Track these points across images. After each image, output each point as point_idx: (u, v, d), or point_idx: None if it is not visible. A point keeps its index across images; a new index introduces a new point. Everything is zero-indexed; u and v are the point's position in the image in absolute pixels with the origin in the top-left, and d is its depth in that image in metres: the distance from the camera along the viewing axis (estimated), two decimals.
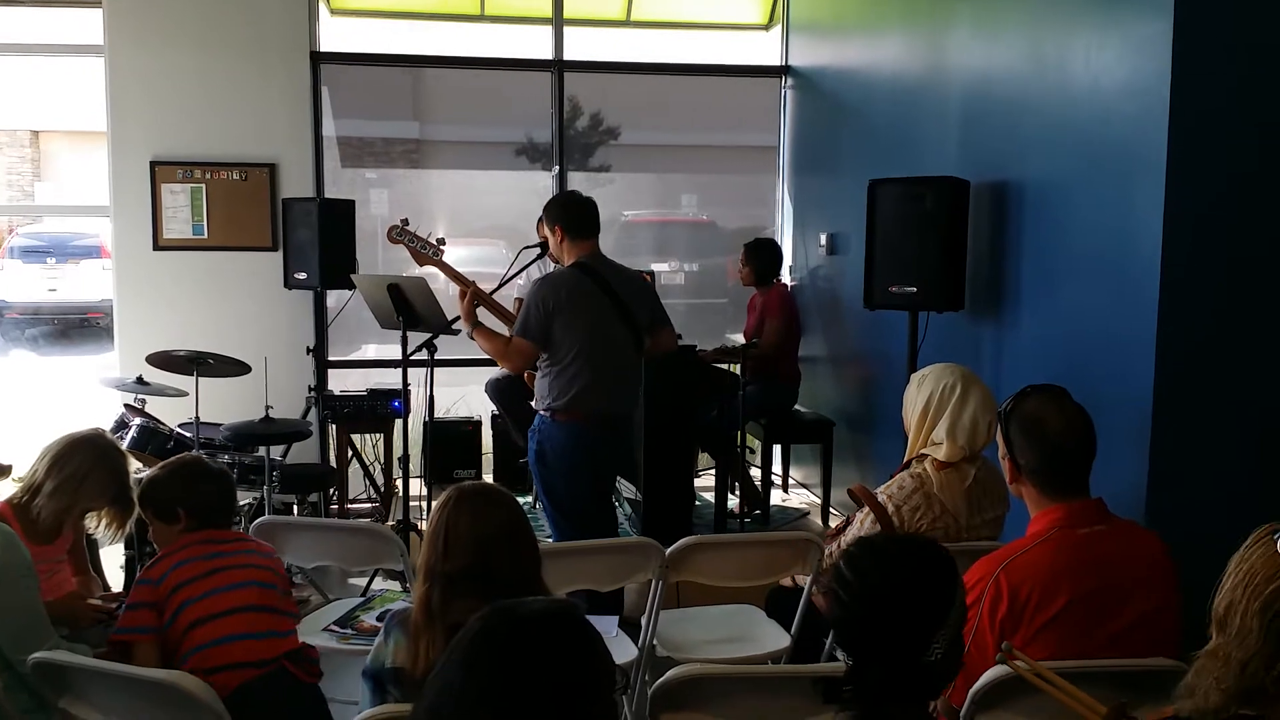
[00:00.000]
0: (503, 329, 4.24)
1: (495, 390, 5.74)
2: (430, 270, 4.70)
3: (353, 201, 5.95)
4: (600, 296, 4.00)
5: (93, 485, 3.01)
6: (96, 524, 3.17)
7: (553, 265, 5.65)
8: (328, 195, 6.26)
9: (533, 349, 3.96)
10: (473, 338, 4.08)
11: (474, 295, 4.16)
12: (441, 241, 4.54)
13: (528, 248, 4.98)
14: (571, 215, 4.11)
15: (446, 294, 5.26)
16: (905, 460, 3.10)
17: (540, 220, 5.32)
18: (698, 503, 5.63)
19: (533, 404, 4.16)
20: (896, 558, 1.69)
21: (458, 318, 4.27)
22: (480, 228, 7.60)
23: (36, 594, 2.61)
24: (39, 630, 2.56)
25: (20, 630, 2.52)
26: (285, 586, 2.89)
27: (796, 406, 6.01)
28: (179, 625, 2.61)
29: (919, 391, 3.07)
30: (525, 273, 5.05)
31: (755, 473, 5.99)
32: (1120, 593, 2.25)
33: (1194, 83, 3.23)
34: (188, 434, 4.83)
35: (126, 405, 5.05)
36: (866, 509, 3.02)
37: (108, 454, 3.07)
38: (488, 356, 4.31)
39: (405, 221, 4.57)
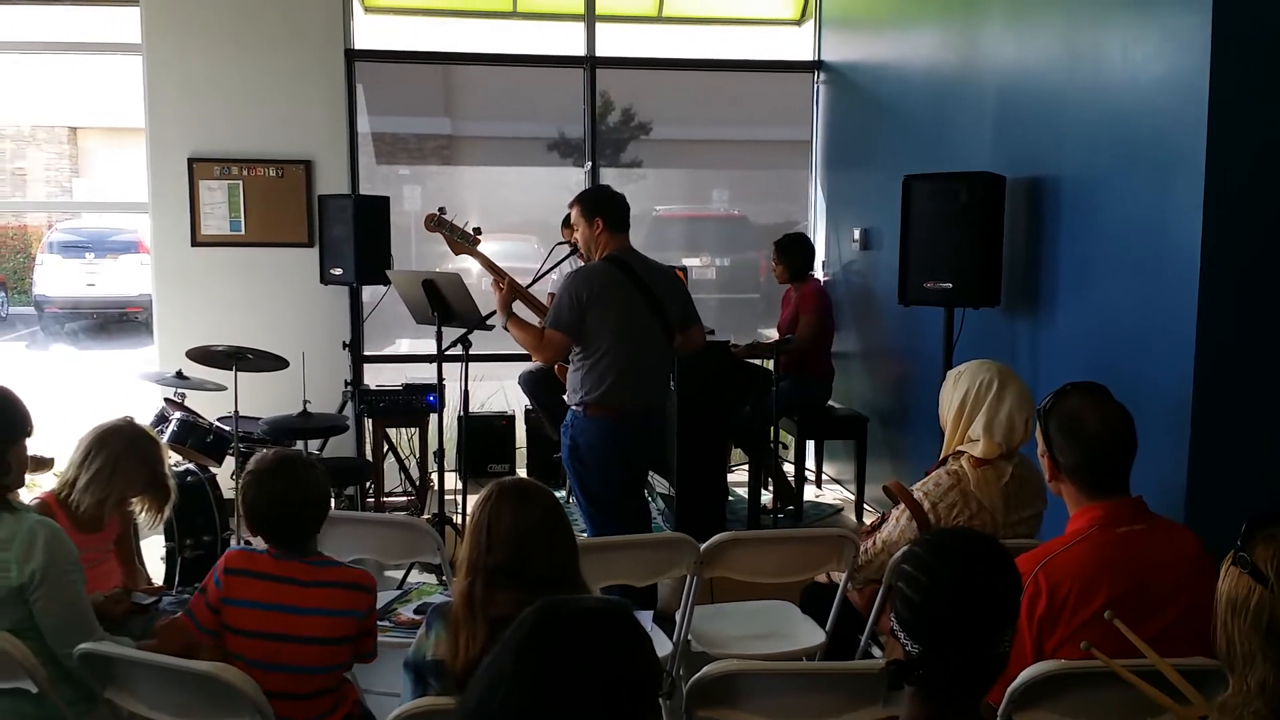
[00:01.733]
0: (536, 321, 4.25)
1: (529, 383, 5.77)
2: (464, 265, 4.72)
3: (387, 198, 5.99)
4: (633, 290, 4.01)
5: (124, 474, 3.04)
6: (139, 510, 3.22)
7: (582, 262, 5.69)
8: (362, 191, 6.30)
9: (565, 341, 3.98)
10: (506, 328, 4.10)
11: (510, 286, 4.18)
12: (478, 231, 4.55)
13: (561, 243, 5.00)
14: (613, 208, 4.12)
15: (480, 289, 5.29)
16: (941, 457, 3.09)
17: (568, 219, 5.35)
18: (730, 498, 5.63)
19: (565, 398, 4.17)
20: (979, 547, 1.69)
21: (492, 313, 4.29)
22: (512, 223, 7.64)
23: (82, 589, 2.64)
24: (84, 625, 2.60)
25: (66, 625, 2.56)
26: (365, 626, 2.66)
27: (830, 402, 5.99)
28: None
29: (955, 388, 3.06)
30: (558, 268, 5.07)
31: (789, 468, 5.98)
32: (1159, 592, 2.23)
33: (1232, 76, 3.19)
34: (227, 428, 4.88)
35: (166, 399, 5.12)
36: (902, 506, 3.02)
37: (137, 442, 3.11)
38: (521, 351, 4.32)
39: (443, 210, 4.58)
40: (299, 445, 4.89)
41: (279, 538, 2.64)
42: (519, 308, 4.25)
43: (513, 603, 2.07)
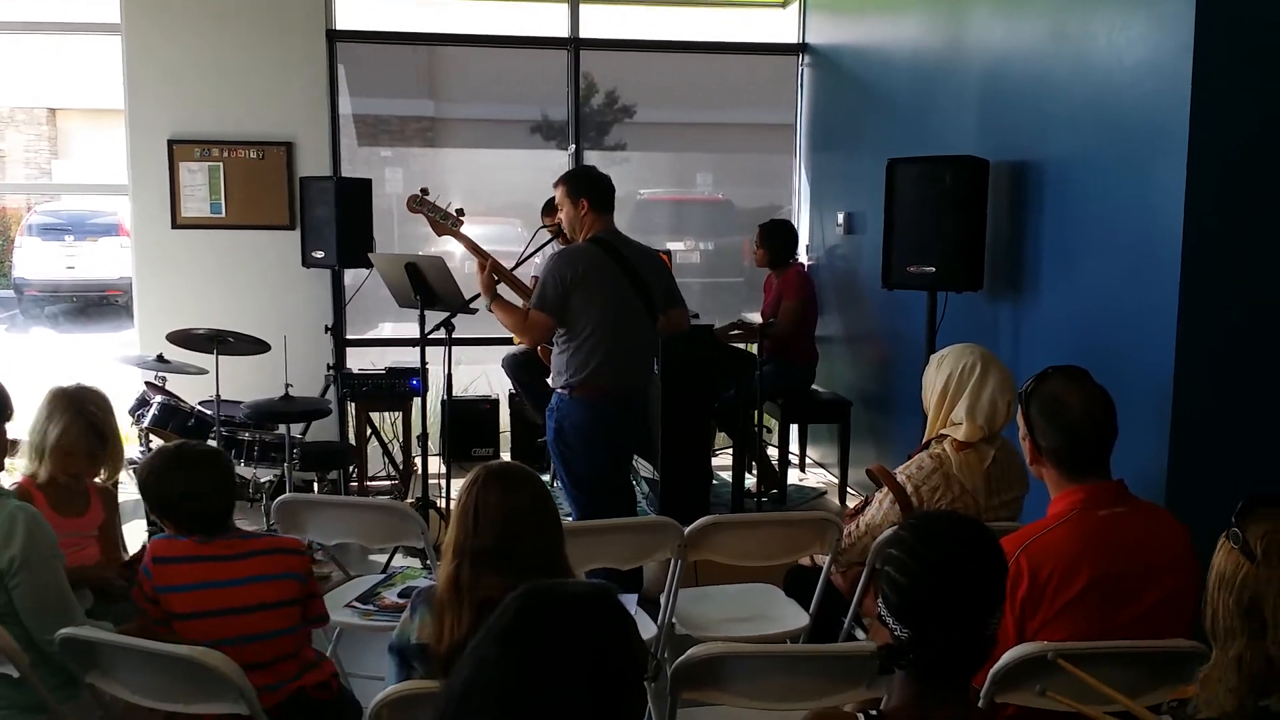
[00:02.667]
0: (520, 303, 4.24)
1: (512, 366, 5.76)
2: (447, 248, 4.70)
3: (370, 180, 5.95)
4: (617, 272, 4.00)
5: (69, 434, 3.01)
6: (102, 477, 3.20)
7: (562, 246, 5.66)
8: (344, 174, 6.26)
9: (550, 322, 3.97)
10: (490, 310, 4.09)
11: (493, 268, 4.16)
12: (460, 212, 4.52)
13: (543, 228, 4.98)
14: (599, 189, 4.10)
15: (463, 272, 5.27)
16: (924, 440, 3.11)
17: (550, 203, 5.32)
18: (715, 482, 5.64)
19: (549, 381, 4.17)
20: (963, 529, 1.70)
21: (476, 296, 4.27)
22: (495, 206, 7.59)
23: (63, 574, 2.62)
24: (66, 609, 2.59)
25: (46, 610, 2.55)
26: (306, 590, 2.68)
27: (814, 386, 6.01)
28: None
29: (938, 372, 3.07)
30: (541, 251, 5.05)
31: (772, 452, 6.00)
32: (1140, 574, 2.25)
33: (1216, 60, 3.20)
34: (208, 412, 4.86)
35: (147, 383, 5.09)
36: (885, 489, 3.03)
37: (74, 400, 3.06)
38: (504, 334, 4.31)
39: (425, 191, 4.54)
40: (281, 429, 4.88)
41: (197, 526, 2.64)
42: (503, 290, 4.23)
43: (499, 586, 2.07)
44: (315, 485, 5.42)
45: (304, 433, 5.49)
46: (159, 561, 2.61)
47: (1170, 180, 3.30)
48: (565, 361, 4.01)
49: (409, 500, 5.27)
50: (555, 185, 4.22)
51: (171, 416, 4.81)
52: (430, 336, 4.54)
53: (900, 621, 1.64)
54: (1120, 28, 3.62)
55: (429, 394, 4.96)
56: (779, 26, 7.08)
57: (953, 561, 1.64)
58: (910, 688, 1.67)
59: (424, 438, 4.89)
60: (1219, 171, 3.24)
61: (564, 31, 6.61)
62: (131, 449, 4.50)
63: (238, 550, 2.63)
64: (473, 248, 4.36)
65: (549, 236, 4.83)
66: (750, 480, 5.80)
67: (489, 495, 2.17)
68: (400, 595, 3.27)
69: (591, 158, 6.77)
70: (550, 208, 5.26)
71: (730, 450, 5.88)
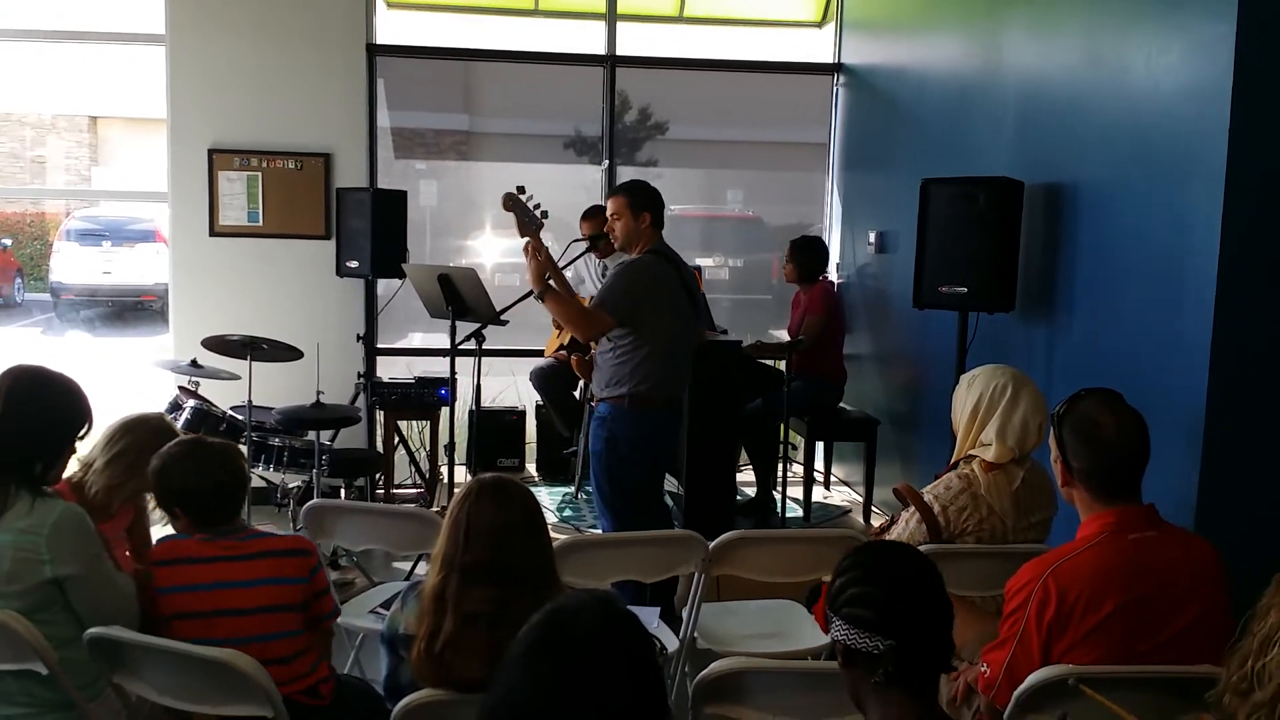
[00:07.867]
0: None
1: (540, 380, 5.78)
2: (478, 260, 4.70)
3: (405, 192, 6.01)
4: (679, 286, 4.04)
5: (144, 464, 3.05)
6: (153, 506, 3.23)
7: (597, 260, 5.69)
8: (380, 185, 6.32)
9: (611, 324, 3.96)
10: (541, 299, 4.01)
11: (547, 261, 4.06)
12: (545, 215, 4.44)
13: (576, 241, 5.00)
14: (659, 205, 4.14)
15: (494, 284, 5.30)
16: (952, 461, 3.09)
17: (590, 211, 5.33)
18: (739, 498, 5.63)
19: (594, 389, 4.13)
20: (908, 550, 1.95)
21: (506, 308, 4.28)
22: None
23: (110, 566, 2.64)
24: (126, 599, 2.61)
25: (109, 603, 2.57)
26: (315, 588, 2.68)
27: (841, 404, 5.99)
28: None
29: (969, 392, 3.05)
30: (573, 266, 5.07)
31: (797, 469, 5.98)
32: (1169, 599, 2.23)
33: (1256, 86, 3.19)
34: (240, 417, 4.91)
35: (180, 387, 5.15)
36: (912, 508, 3.01)
37: (161, 434, 3.11)
38: (534, 347, 4.31)
39: (521, 189, 4.45)
40: (311, 435, 4.92)
41: (215, 518, 2.65)
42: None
43: (487, 599, 2.10)
44: (342, 491, 5.46)
45: (333, 439, 5.53)
46: (161, 564, 2.62)
47: (1206, 205, 3.28)
48: (628, 371, 3.97)
49: (434, 508, 5.29)
50: (612, 195, 4.20)
51: (204, 421, 4.85)
52: (460, 347, 4.57)
53: (880, 634, 1.74)
54: (1158, 52, 3.61)
55: (457, 404, 4.99)
56: (814, 46, 7.09)
57: (912, 571, 1.81)
58: (892, 707, 1.75)
59: (451, 447, 4.91)
60: (1255, 197, 3.21)
61: (601, 49, 6.65)
62: None
63: (242, 551, 2.63)
64: (538, 246, 4.18)
65: (580, 251, 4.84)
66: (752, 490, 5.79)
67: (481, 510, 2.19)
68: None
69: (625, 173, 6.79)
70: (589, 215, 5.27)
71: (750, 465, 5.88)
